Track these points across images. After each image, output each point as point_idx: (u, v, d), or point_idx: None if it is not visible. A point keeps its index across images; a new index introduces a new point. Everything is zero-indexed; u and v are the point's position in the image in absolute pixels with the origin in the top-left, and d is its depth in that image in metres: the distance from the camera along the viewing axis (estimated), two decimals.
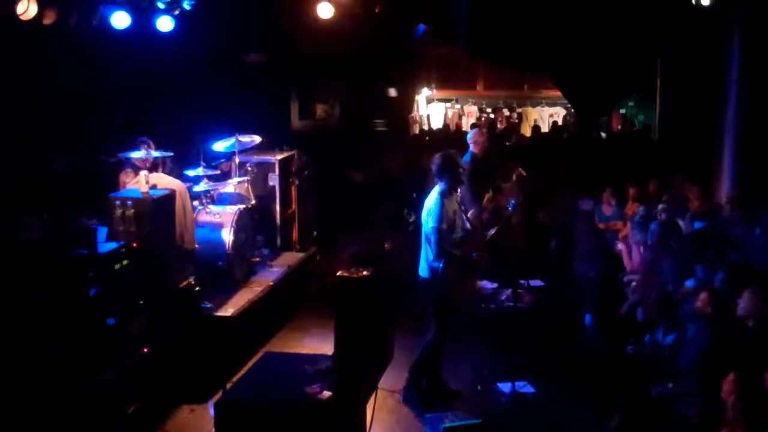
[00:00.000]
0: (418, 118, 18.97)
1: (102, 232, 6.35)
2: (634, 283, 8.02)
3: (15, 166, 8.24)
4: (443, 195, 6.46)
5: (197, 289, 7.10)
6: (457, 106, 20.15)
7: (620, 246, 8.98)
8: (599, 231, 10.08)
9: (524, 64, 13.06)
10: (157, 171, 7.52)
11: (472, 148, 9.15)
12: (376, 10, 12.18)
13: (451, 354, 6.99)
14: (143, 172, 6.89)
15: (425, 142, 16.13)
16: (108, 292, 5.87)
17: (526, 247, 9.81)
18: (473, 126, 15.54)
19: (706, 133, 10.53)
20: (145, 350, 6.23)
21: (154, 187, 6.89)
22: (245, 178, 8.73)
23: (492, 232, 6.91)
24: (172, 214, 7.04)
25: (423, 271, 6.55)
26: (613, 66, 11.19)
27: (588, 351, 7.45)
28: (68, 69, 8.89)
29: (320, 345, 7.26)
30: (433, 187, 6.61)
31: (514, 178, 9.39)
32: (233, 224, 7.95)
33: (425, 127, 19.03)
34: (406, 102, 18.27)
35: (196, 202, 8.02)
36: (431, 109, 20.06)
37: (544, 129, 18.19)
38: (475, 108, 20.09)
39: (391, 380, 6.67)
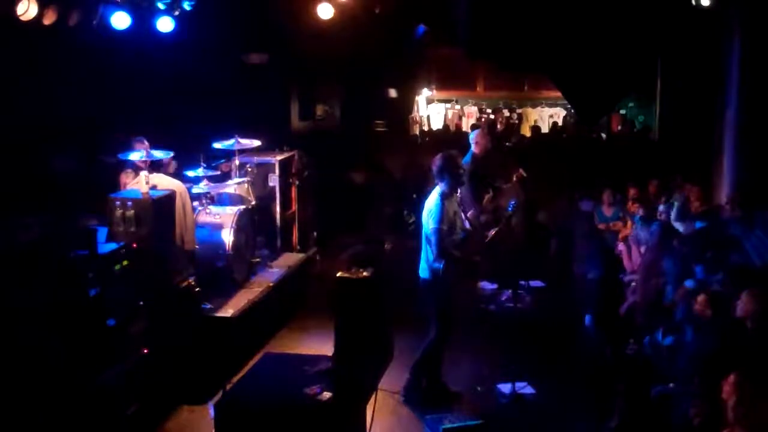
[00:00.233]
0: (418, 119, 18.98)
1: (102, 232, 6.33)
2: (634, 284, 8.03)
3: (15, 166, 8.23)
4: (444, 196, 6.46)
5: (197, 289, 7.10)
6: (457, 106, 20.17)
7: (620, 246, 8.99)
8: (599, 231, 10.09)
9: (524, 65, 13.05)
10: (162, 171, 7.51)
11: (473, 148, 9.16)
12: (376, 11, 12.18)
13: (451, 355, 6.98)
14: (143, 173, 6.89)
15: (425, 143, 16.13)
16: (108, 292, 5.86)
17: (526, 247, 9.81)
18: (474, 127, 15.54)
19: (706, 134, 10.53)
20: (145, 351, 6.23)
21: (154, 187, 6.88)
22: (245, 179, 8.72)
23: (492, 232, 6.92)
24: (172, 214, 7.04)
25: (423, 271, 6.55)
26: (613, 66, 11.17)
27: (588, 351, 7.46)
28: (68, 69, 8.88)
29: (320, 345, 7.23)
30: (433, 187, 6.62)
31: (514, 178, 9.39)
32: (233, 225, 7.94)
33: (425, 128, 19.04)
34: (406, 103, 18.28)
35: (196, 203, 8.01)
36: (431, 109, 20.08)
37: (544, 129, 18.21)
38: (475, 109, 20.10)
39: (392, 381, 6.66)
